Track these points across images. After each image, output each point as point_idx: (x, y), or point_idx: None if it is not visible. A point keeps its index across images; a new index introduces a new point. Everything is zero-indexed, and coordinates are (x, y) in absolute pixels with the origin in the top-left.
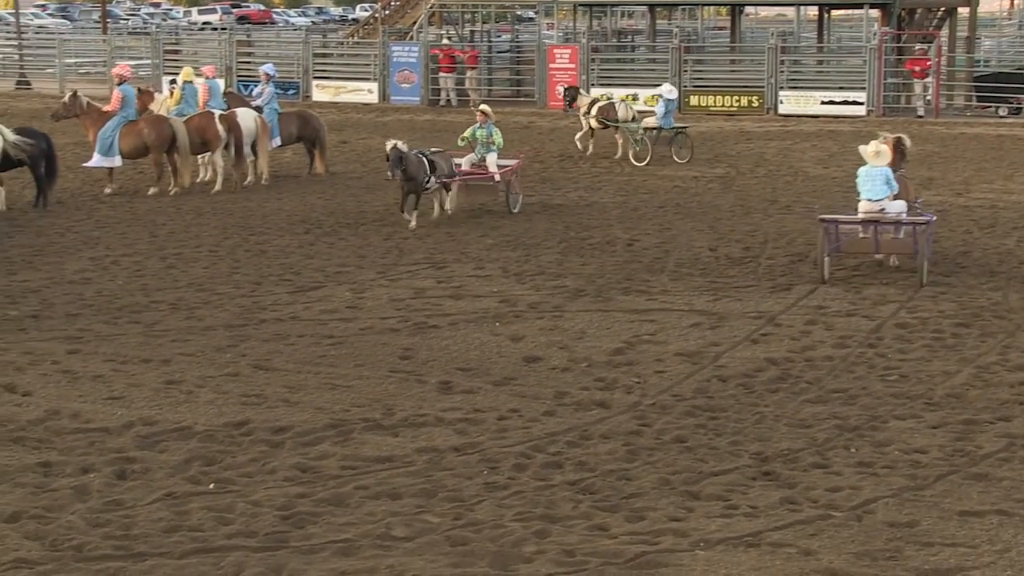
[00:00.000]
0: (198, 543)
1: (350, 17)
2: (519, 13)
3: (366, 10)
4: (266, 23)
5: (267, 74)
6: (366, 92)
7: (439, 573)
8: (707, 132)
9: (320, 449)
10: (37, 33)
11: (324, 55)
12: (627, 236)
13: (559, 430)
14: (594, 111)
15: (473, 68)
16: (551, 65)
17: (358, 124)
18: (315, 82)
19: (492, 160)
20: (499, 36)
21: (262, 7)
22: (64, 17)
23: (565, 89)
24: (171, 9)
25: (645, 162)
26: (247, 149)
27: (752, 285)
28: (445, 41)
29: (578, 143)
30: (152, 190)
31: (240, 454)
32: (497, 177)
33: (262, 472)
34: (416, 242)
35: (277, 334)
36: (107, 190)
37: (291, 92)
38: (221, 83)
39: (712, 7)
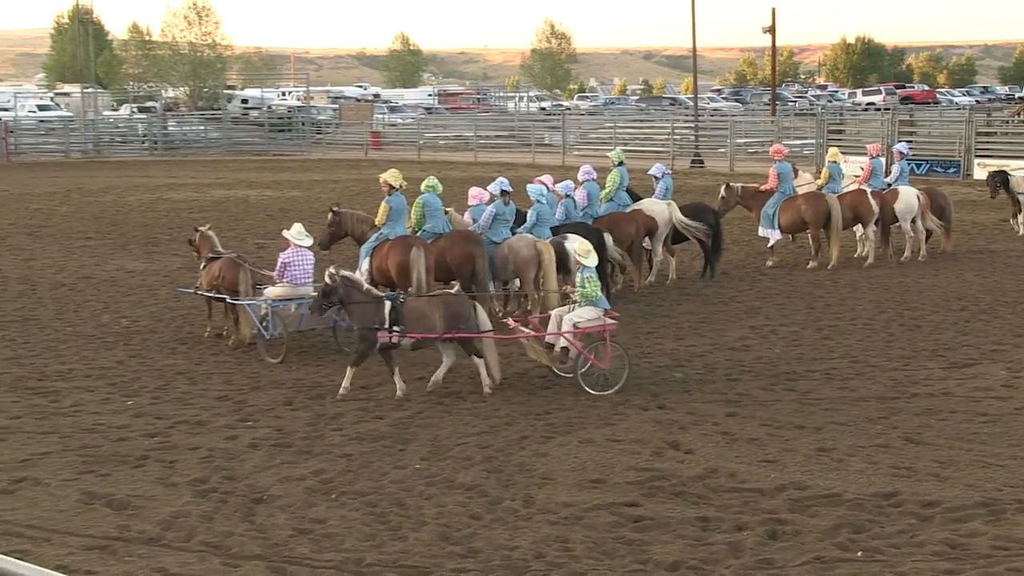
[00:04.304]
0: None
1: (1016, 95)
2: None
3: None
4: (929, 103)
5: (900, 152)
6: None
7: None
8: None
9: (970, 527)
10: (712, 116)
11: (987, 133)
12: None
13: None
14: None
15: None
16: None
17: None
18: (976, 160)
19: (572, 317)
20: None
21: (926, 87)
22: (737, 100)
23: (991, 173)
24: (837, 91)
25: None
26: (906, 225)
27: None
28: None
29: (1019, 228)
30: (811, 264)
31: (888, 524)
32: (560, 342)
33: (910, 544)
34: None
35: (928, 409)
36: (768, 263)
37: (952, 171)
38: (883, 162)
39: None
